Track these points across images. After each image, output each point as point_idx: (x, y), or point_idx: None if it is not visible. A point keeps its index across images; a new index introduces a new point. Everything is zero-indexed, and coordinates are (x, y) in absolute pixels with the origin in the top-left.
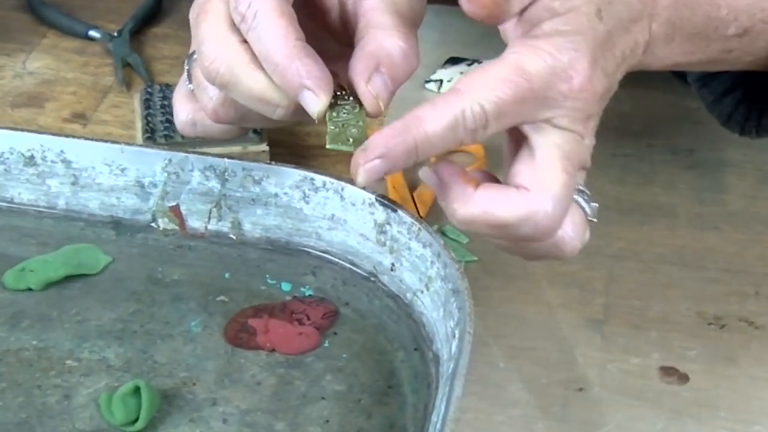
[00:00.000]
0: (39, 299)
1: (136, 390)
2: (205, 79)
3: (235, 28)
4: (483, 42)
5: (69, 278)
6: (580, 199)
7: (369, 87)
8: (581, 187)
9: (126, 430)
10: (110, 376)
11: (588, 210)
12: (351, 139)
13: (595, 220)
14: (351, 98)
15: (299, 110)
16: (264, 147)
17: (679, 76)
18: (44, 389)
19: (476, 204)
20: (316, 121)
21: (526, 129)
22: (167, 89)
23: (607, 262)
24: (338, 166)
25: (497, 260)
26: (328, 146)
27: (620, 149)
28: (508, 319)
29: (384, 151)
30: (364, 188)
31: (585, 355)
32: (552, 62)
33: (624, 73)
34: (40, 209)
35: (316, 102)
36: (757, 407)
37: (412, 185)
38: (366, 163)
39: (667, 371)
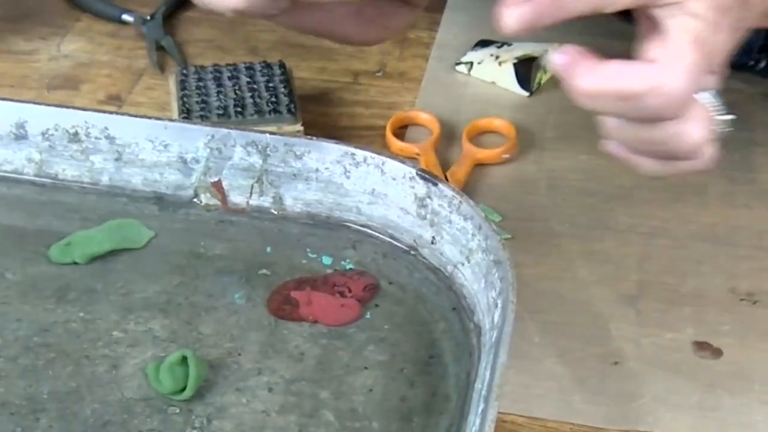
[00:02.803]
0: (84, 273)
1: (183, 360)
2: None
3: None
4: None
5: (113, 252)
6: (710, 99)
7: None
8: (714, 93)
9: (173, 399)
10: (157, 347)
11: (717, 114)
12: None
13: (724, 129)
14: None
15: None
16: (299, 127)
17: None
18: (92, 359)
19: (604, 74)
20: None
21: (659, 14)
22: (202, 71)
23: (640, 239)
24: (372, 146)
25: (531, 238)
26: None
27: None
28: (543, 295)
29: None
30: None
31: (620, 330)
32: None
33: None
34: (84, 185)
35: None
36: None
37: (445, 165)
38: (514, 7)
39: (701, 345)
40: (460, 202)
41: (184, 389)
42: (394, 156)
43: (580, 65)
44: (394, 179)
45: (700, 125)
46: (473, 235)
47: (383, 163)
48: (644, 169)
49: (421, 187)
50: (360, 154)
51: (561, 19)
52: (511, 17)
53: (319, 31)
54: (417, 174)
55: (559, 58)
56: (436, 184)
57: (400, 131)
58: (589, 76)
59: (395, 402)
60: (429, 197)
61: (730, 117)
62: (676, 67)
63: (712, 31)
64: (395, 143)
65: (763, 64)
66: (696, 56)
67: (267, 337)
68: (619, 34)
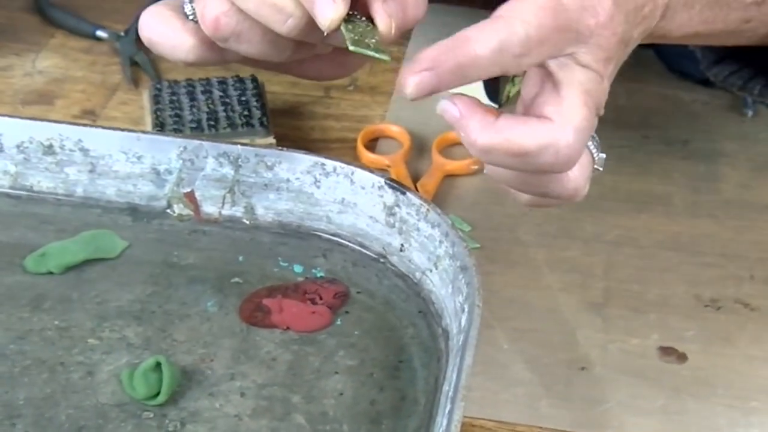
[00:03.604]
0: (59, 282)
1: (157, 366)
2: None
3: None
4: None
5: (87, 262)
6: (591, 145)
7: (384, 6)
8: (593, 134)
9: (147, 404)
10: (131, 354)
11: (596, 157)
12: (372, 46)
13: (600, 168)
14: (365, 18)
15: (308, 27)
16: (271, 140)
17: (673, 69)
18: (67, 366)
19: (498, 131)
20: (326, 33)
21: (552, 65)
22: (175, 85)
23: (606, 248)
24: (344, 158)
25: (499, 248)
26: (351, 48)
27: (617, 141)
28: (511, 303)
29: (433, 64)
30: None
31: (586, 337)
32: None
33: (644, 34)
34: (59, 197)
35: (332, 9)
36: (754, 384)
37: (415, 176)
38: (415, 74)
39: (666, 351)
40: (428, 210)
41: (157, 395)
42: (363, 166)
43: (473, 118)
44: (363, 188)
45: (582, 171)
46: (440, 242)
47: (352, 173)
48: (521, 200)
49: (389, 196)
50: (330, 164)
51: (463, 84)
52: (411, 85)
53: (278, 69)
54: (385, 183)
55: (450, 109)
56: (404, 193)
57: (371, 144)
58: (483, 132)
59: (365, 405)
60: (397, 206)
61: (603, 156)
62: (569, 125)
63: (599, 80)
64: (366, 155)
65: None
66: (586, 111)
67: (239, 344)
68: None
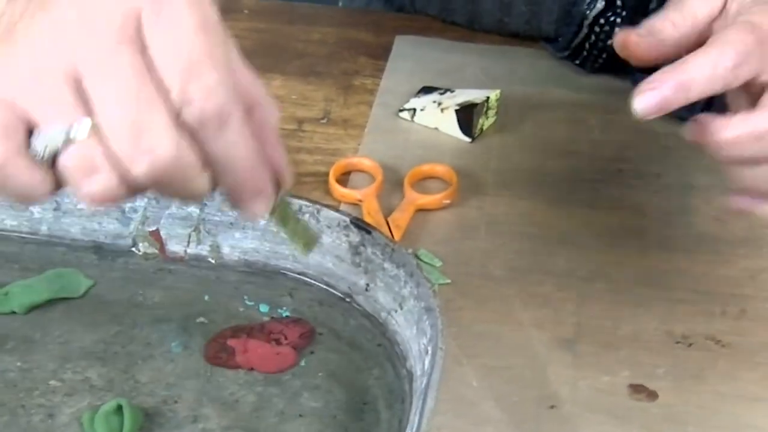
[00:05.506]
0: (22, 322)
1: (119, 408)
2: (137, 173)
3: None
4: (455, 72)
5: (52, 301)
6: None
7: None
8: None
9: None
10: (93, 396)
11: None
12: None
13: None
14: None
15: None
16: None
17: None
18: (28, 409)
19: (737, 123)
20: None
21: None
22: None
23: (578, 283)
24: (315, 192)
25: (471, 283)
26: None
27: (590, 174)
28: (482, 339)
29: (656, 84)
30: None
31: (557, 373)
32: None
33: None
34: (23, 235)
35: (266, 205)
36: (725, 422)
37: (387, 211)
38: (640, 94)
39: (637, 388)
40: (393, 250)
41: None
42: (329, 205)
43: (715, 123)
44: (329, 227)
45: None
46: (405, 282)
47: (318, 212)
48: None
49: (355, 235)
50: (295, 202)
51: (687, 101)
52: (640, 103)
53: None
54: (351, 222)
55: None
56: (369, 233)
57: (344, 177)
58: (727, 128)
59: None
60: (363, 245)
61: None
62: None
63: None
64: (338, 190)
65: None
66: None
67: (203, 385)
68: (560, 81)
